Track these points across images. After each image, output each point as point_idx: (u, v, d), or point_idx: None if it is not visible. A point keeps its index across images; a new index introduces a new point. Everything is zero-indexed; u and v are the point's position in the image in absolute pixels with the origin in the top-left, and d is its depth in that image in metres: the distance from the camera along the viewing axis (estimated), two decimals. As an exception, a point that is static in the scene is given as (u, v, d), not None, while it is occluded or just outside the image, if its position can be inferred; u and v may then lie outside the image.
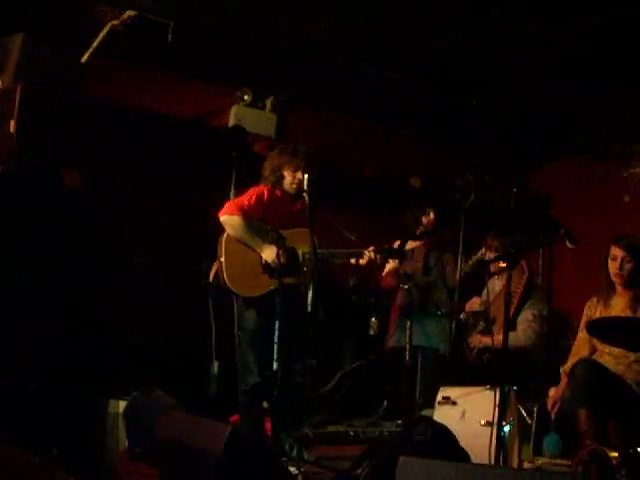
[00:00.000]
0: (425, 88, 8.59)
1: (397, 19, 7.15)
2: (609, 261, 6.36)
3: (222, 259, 6.27)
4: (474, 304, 7.49)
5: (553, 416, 6.39)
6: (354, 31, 7.45)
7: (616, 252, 6.30)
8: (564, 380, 6.42)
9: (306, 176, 6.02)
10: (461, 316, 7.38)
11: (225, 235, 6.32)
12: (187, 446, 4.88)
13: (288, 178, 6.43)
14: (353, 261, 6.55)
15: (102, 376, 6.72)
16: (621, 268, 6.28)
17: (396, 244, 7.00)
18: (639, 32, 6.99)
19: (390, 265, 7.86)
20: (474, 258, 7.65)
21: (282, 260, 6.09)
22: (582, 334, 6.46)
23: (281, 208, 6.43)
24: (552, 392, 6.52)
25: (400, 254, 6.87)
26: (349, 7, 6.99)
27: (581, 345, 6.52)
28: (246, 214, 6.27)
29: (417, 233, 7.99)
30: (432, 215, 7.93)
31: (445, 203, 7.87)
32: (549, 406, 6.45)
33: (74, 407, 6.26)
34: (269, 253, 6.19)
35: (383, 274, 8.03)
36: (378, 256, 6.48)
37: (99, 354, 7.03)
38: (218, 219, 6.31)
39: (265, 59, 8.05)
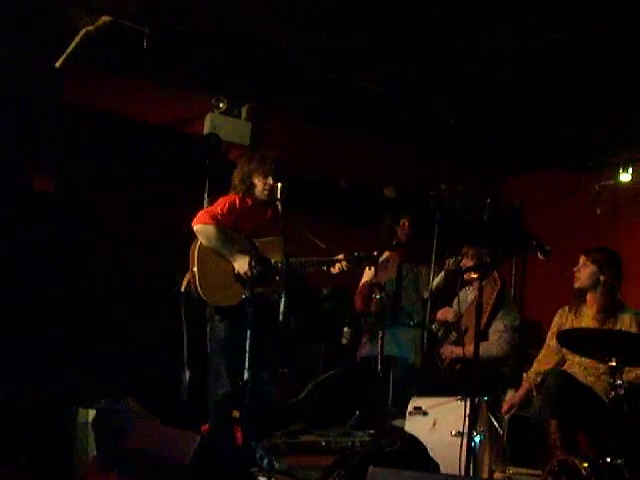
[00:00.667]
0: (400, 99, 8.60)
1: (373, 30, 7.16)
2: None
3: (195, 269, 6.25)
4: (445, 314, 7.50)
5: (507, 421, 6.43)
6: (330, 41, 7.46)
7: (579, 259, 6.45)
8: (524, 385, 6.49)
9: (279, 185, 6.02)
10: (433, 326, 7.39)
11: (198, 244, 6.29)
12: (157, 455, 4.86)
13: (259, 185, 6.42)
14: (324, 269, 6.56)
15: (72, 385, 6.69)
16: (578, 271, 6.42)
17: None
18: (610, 47, 7.04)
19: (367, 276, 7.85)
20: (451, 262, 7.64)
21: (255, 270, 6.08)
22: (551, 342, 6.52)
23: (253, 216, 6.42)
24: (509, 396, 6.58)
25: (370, 262, 6.86)
26: (324, 17, 6.99)
27: (547, 353, 6.57)
28: (219, 223, 6.26)
29: (392, 243, 7.99)
30: (407, 226, 7.93)
31: (420, 214, 7.87)
32: (504, 410, 6.48)
33: (43, 416, 6.23)
34: (242, 263, 6.17)
35: (358, 289, 8.00)
36: (349, 264, 6.51)
37: (69, 362, 7.00)
38: (191, 228, 6.29)
39: (241, 67, 8.04)
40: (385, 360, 7.00)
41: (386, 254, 7.93)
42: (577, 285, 6.47)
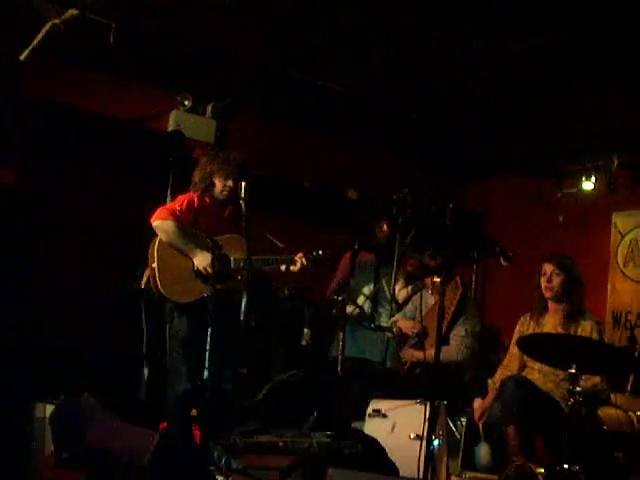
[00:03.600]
0: (365, 100, 8.60)
1: (340, 30, 7.16)
2: (540, 278, 6.48)
3: (154, 265, 6.22)
4: (405, 325, 7.50)
5: (481, 427, 6.45)
6: (296, 40, 7.45)
7: (546, 268, 6.47)
8: (491, 392, 6.51)
9: (243, 184, 6.01)
10: (394, 329, 7.39)
11: (157, 241, 6.27)
12: (114, 452, 4.83)
13: (218, 186, 6.43)
14: (283, 268, 6.54)
15: (29, 379, 6.63)
16: (550, 281, 6.40)
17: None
18: (575, 55, 7.08)
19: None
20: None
21: (215, 267, 6.06)
22: (513, 349, 6.55)
23: (211, 215, 6.42)
24: (477, 404, 6.61)
25: (328, 261, 6.85)
26: (292, 17, 6.98)
27: (511, 360, 6.61)
28: (178, 219, 6.24)
29: (370, 246, 7.97)
30: (385, 227, 7.91)
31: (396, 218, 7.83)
32: (476, 417, 6.52)
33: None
34: (202, 259, 6.16)
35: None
36: (309, 262, 6.50)
37: (26, 357, 6.94)
38: (150, 224, 6.26)
39: (207, 65, 8.01)
40: (360, 362, 7.06)
41: (361, 255, 7.92)
42: (550, 295, 6.47)
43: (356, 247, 7.62)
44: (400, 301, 7.72)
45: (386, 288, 7.78)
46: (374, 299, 7.76)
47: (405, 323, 7.51)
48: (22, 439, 6.13)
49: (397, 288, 7.69)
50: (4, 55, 7.53)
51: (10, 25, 7.30)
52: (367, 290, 7.82)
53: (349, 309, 7.53)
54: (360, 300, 7.81)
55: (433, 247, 7.53)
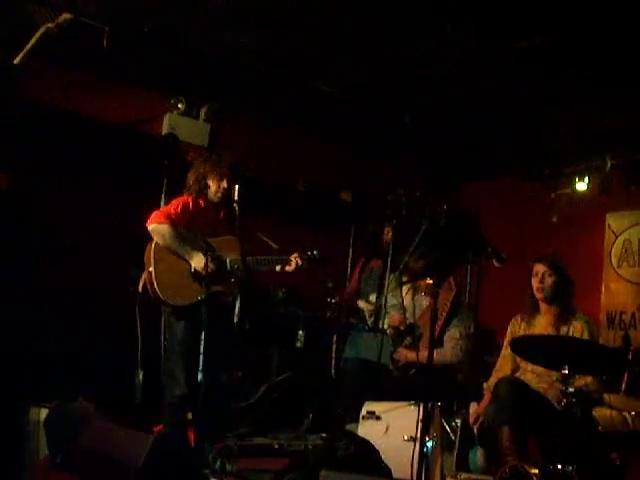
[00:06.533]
0: (358, 103, 8.61)
1: (333, 33, 7.17)
2: (532, 279, 6.49)
3: (151, 269, 6.24)
4: (392, 319, 7.50)
5: (476, 431, 6.45)
6: (290, 44, 7.46)
7: (538, 268, 6.48)
8: (487, 396, 6.50)
9: (237, 187, 6.03)
10: (387, 331, 7.39)
11: (153, 244, 6.29)
12: (109, 455, 4.84)
13: (213, 187, 6.44)
14: (279, 268, 6.56)
15: (23, 383, 6.63)
16: (542, 282, 6.40)
17: None
18: (571, 55, 7.09)
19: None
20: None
21: (210, 268, 6.07)
22: (506, 351, 6.56)
23: (205, 217, 6.43)
24: (473, 408, 6.60)
25: (323, 262, 6.87)
26: (286, 19, 6.99)
27: (504, 362, 6.61)
28: (173, 222, 6.26)
29: (379, 253, 7.96)
30: (390, 234, 7.90)
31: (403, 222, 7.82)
32: (471, 421, 6.51)
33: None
34: (198, 260, 6.17)
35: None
36: (304, 262, 6.52)
37: (20, 361, 6.94)
38: (146, 228, 6.27)
39: (200, 68, 8.02)
40: (360, 363, 7.08)
41: (373, 262, 7.93)
42: (542, 296, 6.47)
43: (366, 255, 7.66)
44: (405, 305, 7.68)
45: (392, 294, 7.77)
46: (380, 306, 7.75)
47: (395, 315, 7.50)
48: (16, 442, 6.14)
49: (403, 292, 7.67)
50: (-1, 59, 7.55)
51: (4, 29, 7.31)
52: (373, 298, 7.81)
53: (361, 304, 7.59)
54: (365, 307, 7.81)
55: (425, 249, 7.52)
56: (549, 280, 6.43)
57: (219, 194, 6.42)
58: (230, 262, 6.29)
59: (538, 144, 9.40)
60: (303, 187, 9.67)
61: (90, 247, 7.99)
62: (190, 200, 6.41)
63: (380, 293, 7.77)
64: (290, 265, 6.54)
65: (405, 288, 7.68)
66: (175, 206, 6.37)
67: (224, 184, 6.38)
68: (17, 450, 6.09)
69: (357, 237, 9.13)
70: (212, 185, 6.45)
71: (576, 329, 6.31)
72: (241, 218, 5.95)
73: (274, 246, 6.65)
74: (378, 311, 7.66)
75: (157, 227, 6.27)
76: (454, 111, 8.70)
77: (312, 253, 6.64)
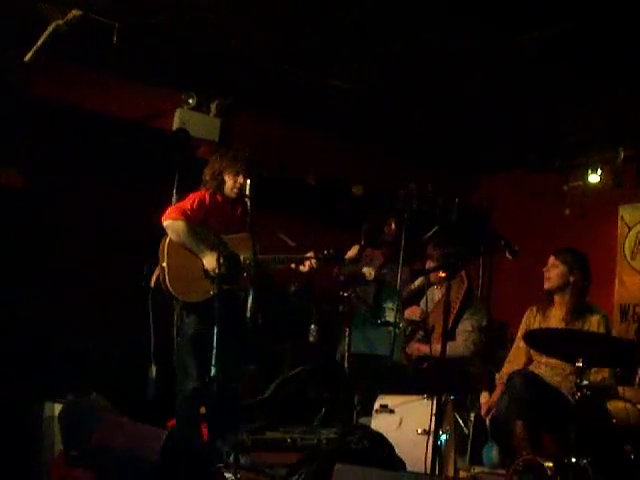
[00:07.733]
0: (370, 97, 8.60)
1: (343, 28, 7.16)
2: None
3: (164, 264, 6.24)
4: (412, 312, 7.50)
5: (488, 422, 6.44)
6: (300, 38, 7.45)
7: (548, 260, 6.51)
8: (499, 387, 6.50)
9: (248, 181, 6.02)
10: (400, 325, 7.38)
11: (167, 240, 6.28)
12: (123, 450, 4.85)
13: (229, 183, 6.43)
14: (293, 266, 6.57)
15: (38, 378, 6.65)
16: (548, 272, 6.44)
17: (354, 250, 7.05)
18: (583, 46, 7.07)
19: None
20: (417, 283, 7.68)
21: (222, 267, 6.06)
22: (520, 343, 6.55)
23: (222, 213, 6.42)
24: (484, 398, 6.60)
25: (338, 261, 6.87)
26: (295, 14, 6.98)
27: (517, 354, 6.60)
28: (189, 219, 6.25)
29: (378, 242, 7.98)
30: (393, 226, 7.90)
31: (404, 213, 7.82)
32: (483, 412, 6.51)
33: (9, 409, 6.19)
34: (210, 260, 6.16)
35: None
36: (318, 262, 6.52)
37: (35, 356, 6.96)
38: (161, 224, 6.27)
39: (211, 63, 8.02)
40: (354, 358, 7.05)
41: (369, 251, 7.93)
42: (547, 286, 6.49)
43: (362, 243, 7.66)
44: (404, 296, 7.69)
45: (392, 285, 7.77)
46: (378, 296, 7.75)
47: (410, 310, 7.50)
48: (32, 438, 6.16)
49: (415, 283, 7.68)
50: (9, 56, 7.55)
51: (14, 27, 7.33)
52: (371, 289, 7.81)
53: (365, 270, 7.60)
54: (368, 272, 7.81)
55: (441, 239, 7.54)
56: (554, 271, 6.45)
57: (235, 189, 6.42)
58: (244, 259, 6.28)
59: (550, 136, 9.38)
60: (314, 181, 9.67)
61: (102, 242, 8.00)
62: (207, 195, 6.40)
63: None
64: (304, 266, 6.55)
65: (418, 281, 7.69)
66: (191, 202, 6.36)
67: (240, 179, 6.37)
68: (32, 445, 6.11)
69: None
70: (228, 181, 6.44)
71: (592, 323, 6.29)
72: (255, 214, 5.94)
73: (291, 244, 6.66)
74: (382, 280, 7.67)
75: (172, 223, 6.26)
76: (466, 105, 8.68)
77: (328, 251, 6.64)
